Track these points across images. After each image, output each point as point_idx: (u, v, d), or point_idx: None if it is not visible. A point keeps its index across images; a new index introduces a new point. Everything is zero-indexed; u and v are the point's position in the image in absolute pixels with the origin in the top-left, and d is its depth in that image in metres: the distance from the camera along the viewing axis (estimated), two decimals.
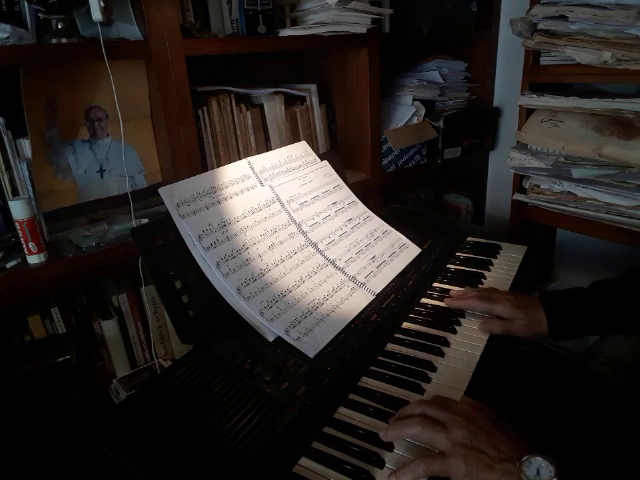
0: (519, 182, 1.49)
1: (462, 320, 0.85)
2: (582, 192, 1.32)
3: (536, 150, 1.40)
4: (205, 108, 1.13)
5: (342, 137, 1.47)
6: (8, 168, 0.90)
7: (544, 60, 1.37)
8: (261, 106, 1.25)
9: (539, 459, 0.51)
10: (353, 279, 0.91)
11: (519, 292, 0.90)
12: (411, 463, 0.56)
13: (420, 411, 0.59)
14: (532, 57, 1.37)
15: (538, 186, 1.43)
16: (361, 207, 1.10)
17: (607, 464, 0.53)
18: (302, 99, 1.35)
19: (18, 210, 0.87)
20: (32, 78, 0.92)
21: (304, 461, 0.59)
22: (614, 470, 0.53)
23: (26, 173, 0.92)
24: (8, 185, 0.90)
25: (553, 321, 0.80)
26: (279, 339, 0.77)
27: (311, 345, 0.76)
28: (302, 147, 1.11)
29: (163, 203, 0.82)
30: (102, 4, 0.84)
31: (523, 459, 0.52)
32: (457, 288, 0.94)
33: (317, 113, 1.37)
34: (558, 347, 1.26)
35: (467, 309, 0.86)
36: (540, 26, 1.29)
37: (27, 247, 0.89)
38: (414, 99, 1.50)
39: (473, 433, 0.55)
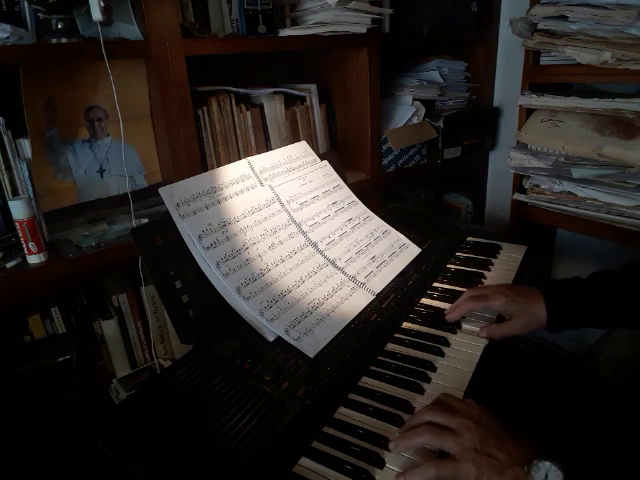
0: (519, 182, 1.49)
1: (462, 320, 0.85)
2: (582, 192, 1.32)
3: (536, 150, 1.40)
4: (205, 108, 1.13)
5: (342, 137, 1.47)
6: (8, 168, 0.89)
7: (544, 60, 1.37)
8: (261, 106, 1.25)
9: (547, 464, 0.51)
10: (353, 279, 0.91)
11: (515, 284, 0.89)
12: (421, 466, 0.55)
13: (428, 419, 0.59)
14: (532, 57, 1.37)
15: (538, 186, 1.43)
16: (361, 207, 1.10)
17: (610, 466, 0.53)
18: (302, 99, 1.35)
19: (18, 210, 0.87)
20: (32, 78, 0.92)
21: (304, 461, 0.59)
22: (617, 472, 0.53)
23: (26, 173, 0.92)
24: (8, 185, 0.90)
25: (553, 313, 0.79)
26: (279, 339, 0.77)
27: (311, 345, 0.76)
28: (302, 147, 1.11)
29: (163, 203, 0.82)
30: (102, 4, 0.84)
31: (532, 464, 0.52)
32: (457, 288, 0.94)
33: (317, 113, 1.37)
34: (558, 347, 1.26)
35: (466, 314, 0.85)
36: (540, 26, 1.30)
37: (27, 247, 0.89)
38: (414, 99, 1.50)
39: (483, 437, 0.55)
